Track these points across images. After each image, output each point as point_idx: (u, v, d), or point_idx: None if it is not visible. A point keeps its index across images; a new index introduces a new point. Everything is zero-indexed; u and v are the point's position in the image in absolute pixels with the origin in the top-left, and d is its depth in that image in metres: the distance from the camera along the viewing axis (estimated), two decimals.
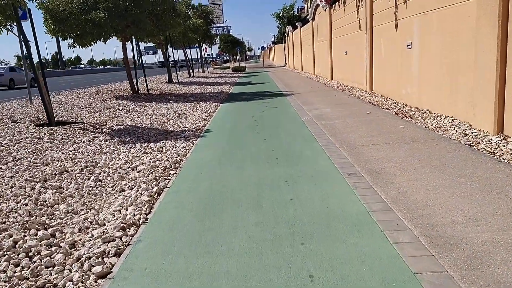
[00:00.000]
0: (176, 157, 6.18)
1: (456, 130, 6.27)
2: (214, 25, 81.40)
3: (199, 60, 42.93)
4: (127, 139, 7.65)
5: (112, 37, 14.42)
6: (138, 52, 16.18)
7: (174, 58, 30.61)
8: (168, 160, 5.91)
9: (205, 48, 52.36)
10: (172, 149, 6.83)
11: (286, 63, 42.67)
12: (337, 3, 15.81)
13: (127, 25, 13.96)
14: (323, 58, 19.71)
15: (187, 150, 6.66)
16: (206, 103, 12.43)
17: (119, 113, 10.51)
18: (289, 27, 36.26)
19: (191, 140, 7.41)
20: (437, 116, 7.38)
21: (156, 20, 15.14)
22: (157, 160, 5.99)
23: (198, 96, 14.73)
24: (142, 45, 30.02)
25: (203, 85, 20.31)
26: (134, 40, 15.75)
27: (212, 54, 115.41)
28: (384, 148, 5.68)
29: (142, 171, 5.44)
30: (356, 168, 4.87)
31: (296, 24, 30.39)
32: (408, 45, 8.88)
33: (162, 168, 5.50)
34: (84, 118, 9.65)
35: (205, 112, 10.56)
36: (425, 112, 7.99)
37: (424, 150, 5.41)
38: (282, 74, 27.48)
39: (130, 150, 6.78)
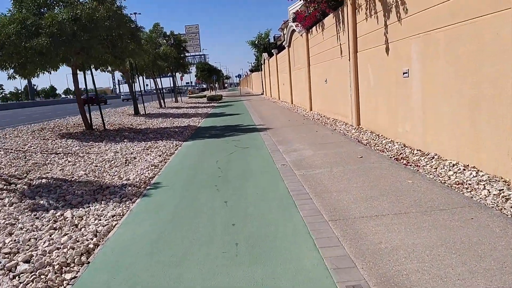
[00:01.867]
0: (91, 239, 4.22)
1: (489, 191, 4.52)
2: (188, 54, 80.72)
3: (173, 89, 41.23)
4: (41, 202, 5.64)
5: (60, 65, 12.49)
6: (92, 82, 14.23)
7: (142, 87, 28.84)
8: (73, 249, 3.93)
9: (181, 77, 50.84)
10: (95, 220, 4.86)
11: (263, 92, 41.35)
12: (314, 27, 14.36)
13: (76, 52, 12.08)
14: (301, 87, 18.19)
15: (114, 223, 4.70)
16: (166, 142, 10.52)
17: (52, 160, 8.47)
18: (265, 55, 35.06)
19: (126, 203, 5.45)
20: (453, 165, 5.65)
21: (112, 47, 13.31)
22: (58, 248, 4.00)
23: (160, 132, 12.81)
24: (117, 75, 28.06)
25: (171, 118, 18.42)
26: (89, 69, 13.82)
27: (191, 82, 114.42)
28: (396, 225, 3.85)
29: (19, 277, 3.46)
30: (361, 273, 3.01)
31: (272, 51, 29.12)
32: (404, 73, 7.25)
33: (54, 270, 3.52)
34: (2, 168, 7.58)
35: (161, 156, 8.63)
36: (433, 158, 6.27)
37: (457, 230, 3.61)
38: (259, 104, 25.90)
39: (34, 224, 4.78)
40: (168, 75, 36.29)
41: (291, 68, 21.39)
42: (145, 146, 9.82)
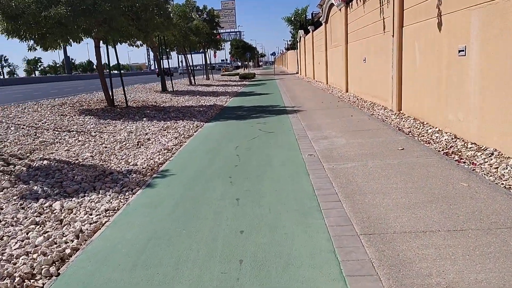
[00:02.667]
0: (71, 241, 3.53)
1: None
2: (223, 30, 79.62)
3: (209, 66, 40.54)
4: (35, 188, 5.03)
5: (83, 37, 11.92)
6: (115, 56, 13.64)
7: (188, 62, 27.97)
8: (45, 254, 3.24)
9: (214, 53, 50.04)
10: (84, 215, 4.18)
11: (298, 71, 39.99)
12: (354, 0, 13.07)
13: (98, 23, 11.44)
14: (337, 66, 16.96)
15: (104, 221, 3.99)
16: (186, 122, 9.78)
17: (61, 138, 7.91)
18: (301, 32, 33.58)
19: (126, 195, 4.74)
20: None
21: (136, 19, 12.60)
22: (28, 252, 3.32)
23: (183, 111, 12.10)
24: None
25: (198, 96, 17.71)
26: (112, 42, 13.19)
27: (226, 60, 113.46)
28: (450, 247, 2.91)
29: None
30: None
31: (308, 28, 27.70)
32: (460, 51, 6.09)
33: (12, 285, 2.83)
34: (7, 146, 7.07)
35: (177, 138, 7.90)
36: (492, 154, 5.18)
37: None
38: (292, 83, 24.77)
39: (16, 216, 4.15)
40: (200, 51, 35.53)
41: (327, 46, 20.10)
42: (163, 126, 9.12)
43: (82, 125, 9.29)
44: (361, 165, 5.20)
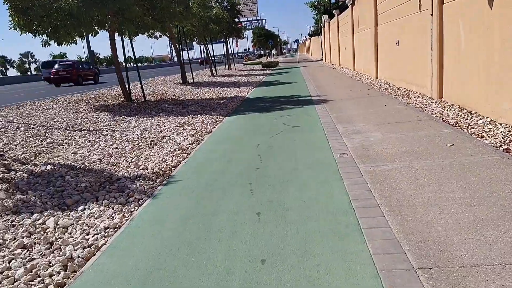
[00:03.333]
0: (57, 273, 2.92)
1: None
2: (244, 18, 78.56)
3: (231, 55, 39.84)
4: (32, 198, 4.47)
5: (97, 30, 11.38)
6: (131, 48, 13.05)
7: (209, 53, 27.13)
8: None
9: (236, 42, 49.24)
10: (80, 234, 3.59)
11: (322, 57, 38.75)
12: None
13: (112, 14, 10.87)
14: (366, 51, 15.90)
15: (101, 244, 3.37)
16: (205, 117, 9.12)
17: (71, 138, 7.38)
18: (325, 17, 32.33)
19: (131, 206, 4.13)
20: None
21: (152, 9, 11.97)
22: None
23: (202, 104, 11.45)
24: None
25: (219, 87, 17.03)
26: (128, 33, 12.63)
27: (249, 48, 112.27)
28: None
29: None
30: None
31: (333, 12, 26.49)
32: None
33: None
34: (12, 148, 6.59)
35: (194, 135, 7.24)
36: None
37: None
38: (317, 71, 23.77)
39: (4, 236, 3.59)
40: (222, 41, 34.79)
41: (354, 30, 18.99)
42: (179, 122, 8.48)
43: (95, 123, 8.76)
44: (405, 167, 4.39)
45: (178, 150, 6.22)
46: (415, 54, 9.55)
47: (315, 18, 54.08)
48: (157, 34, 19.73)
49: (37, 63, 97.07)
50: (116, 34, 12.51)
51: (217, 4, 28.81)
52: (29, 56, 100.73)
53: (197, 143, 6.73)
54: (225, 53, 35.61)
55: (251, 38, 71.52)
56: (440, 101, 7.97)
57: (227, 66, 34.44)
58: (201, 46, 19.42)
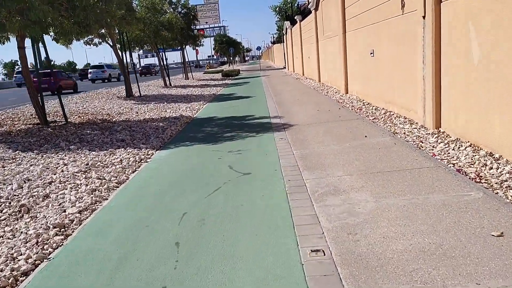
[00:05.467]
0: None
1: None
2: (205, 24, 76.26)
3: (189, 63, 37.39)
4: None
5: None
6: (46, 57, 10.42)
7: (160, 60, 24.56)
8: None
9: (196, 50, 46.81)
10: None
11: (285, 65, 37.01)
12: None
13: (13, 14, 8.33)
14: (333, 61, 14.03)
15: None
16: (129, 152, 6.79)
17: None
18: (287, 23, 30.58)
19: None
20: None
21: (71, 9, 9.48)
22: None
23: (135, 129, 9.07)
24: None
25: (167, 102, 14.64)
26: (40, 39, 10.01)
27: (213, 56, 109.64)
28: None
29: None
30: None
31: (295, 18, 24.71)
32: None
33: None
34: None
35: (95, 192, 4.90)
36: None
37: None
38: (279, 81, 21.79)
39: None
40: (178, 48, 32.32)
41: (318, 38, 17.15)
42: (87, 164, 6.08)
43: None
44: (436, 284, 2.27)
45: (54, 227, 3.88)
46: (398, 68, 7.63)
47: (278, 25, 52.60)
48: (96, 40, 17.14)
49: None
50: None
51: (171, 9, 26.39)
52: None
53: (94, 208, 4.41)
54: (182, 61, 33.08)
55: (213, 45, 69.22)
56: (438, 133, 6.00)
57: (184, 75, 31.94)
58: (121, 53, 16.76)
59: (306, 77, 21.92)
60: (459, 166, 4.59)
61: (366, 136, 6.41)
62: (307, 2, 27.69)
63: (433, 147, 5.43)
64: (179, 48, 32.06)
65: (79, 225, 4.02)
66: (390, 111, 8.24)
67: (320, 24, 16.54)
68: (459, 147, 5.18)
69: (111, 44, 16.57)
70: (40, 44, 10.23)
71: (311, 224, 3.49)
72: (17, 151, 7.06)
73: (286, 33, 33.06)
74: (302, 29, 22.83)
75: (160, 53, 26.48)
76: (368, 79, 9.89)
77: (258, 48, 49.55)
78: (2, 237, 3.79)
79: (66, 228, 3.93)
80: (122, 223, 3.96)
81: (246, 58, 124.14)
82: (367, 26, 9.51)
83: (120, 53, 17.10)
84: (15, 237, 3.77)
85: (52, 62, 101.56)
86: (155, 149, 7.07)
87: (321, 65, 17.30)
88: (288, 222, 3.58)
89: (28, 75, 9.77)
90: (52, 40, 10.47)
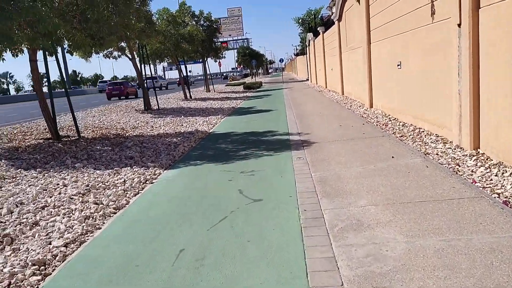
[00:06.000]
0: None
1: None
2: (228, 37, 76.70)
3: (213, 75, 37.31)
4: None
5: (5, 50, 8.54)
6: (60, 69, 10.14)
7: (186, 73, 25.26)
8: None
9: (219, 62, 46.83)
10: None
11: (308, 78, 36.44)
12: None
13: (24, 27, 8.10)
14: (357, 74, 13.38)
15: None
16: (136, 171, 6.34)
17: None
18: (309, 35, 30.09)
19: None
20: None
21: (84, 21, 9.22)
22: None
23: (146, 145, 8.65)
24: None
25: (184, 116, 14.27)
26: (53, 53, 9.77)
27: (236, 68, 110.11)
28: None
29: None
30: None
31: (318, 29, 24.18)
32: None
33: None
34: None
35: (88, 219, 4.43)
36: None
37: None
38: (301, 94, 21.22)
39: None
40: (200, 61, 32.26)
41: (341, 49, 16.54)
42: (88, 185, 5.63)
43: None
44: None
45: (33, 265, 3.40)
46: (428, 81, 6.95)
47: (301, 37, 52.18)
48: (116, 53, 17.05)
49: (15, 84, 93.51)
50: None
51: (193, 21, 26.31)
52: (7, 76, 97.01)
53: (83, 240, 3.92)
54: (204, 73, 32.96)
55: (236, 58, 69.33)
56: (477, 154, 5.29)
57: (205, 87, 31.77)
58: (140, 65, 16.57)
59: (329, 90, 21.27)
60: (506, 197, 3.90)
61: (393, 157, 5.75)
62: (330, 13, 27.24)
63: (472, 171, 4.74)
64: (200, 60, 31.98)
65: (62, 261, 3.54)
66: (419, 128, 7.53)
67: (343, 35, 15.94)
68: (502, 173, 4.47)
69: (130, 57, 16.39)
70: (57, 56, 9.97)
71: (328, 271, 2.89)
72: (20, 169, 6.71)
73: (309, 45, 32.57)
74: (325, 41, 22.27)
75: (182, 66, 26.38)
76: (394, 92, 9.21)
77: (281, 60, 49.18)
78: None
79: (46, 266, 3.44)
80: (110, 260, 3.45)
81: (269, 70, 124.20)
82: (393, 36, 8.87)
83: (139, 66, 16.89)
84: None
85: (80, 75, 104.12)
86: (163, 168, 6.59)
87: (344, 78, 16.65)
88: (300, 267, 2.99)
89: (40, 89, 9.55)
90: (66, 52, 10.22)
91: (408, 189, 4.37)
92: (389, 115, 9.66)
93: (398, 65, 8.70)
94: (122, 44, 15.87)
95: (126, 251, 3.59)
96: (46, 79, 10.53)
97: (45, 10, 8.10)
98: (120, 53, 16.76)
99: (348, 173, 5.24)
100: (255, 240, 3.55)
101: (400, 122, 8.58)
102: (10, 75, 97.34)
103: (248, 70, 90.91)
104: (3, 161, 7.28)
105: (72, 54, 10.86)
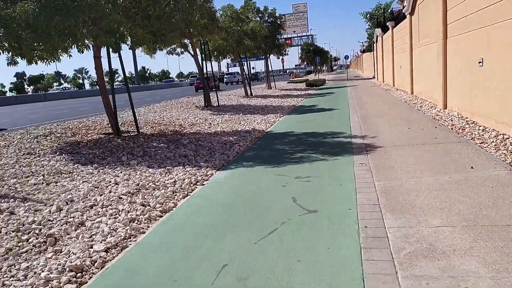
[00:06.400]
0: None
1: None
2: (292, 33, 75.92)
3: (278, 72, 37.09)
4: None
5: (66, 46, 8.80)
6: (122, 66, 10.31)
7: (249, 70, 25.51)
8: None
9: (282, 59, 46.40)
10: None
11: (374, 75, 34.91)
12: None
13: (84, 24, 8.27)
14: (429, 72, 12.33)
15: None
16: (187, 171, 6.15)
17: None
18: (378, 31, 28.68)
19: None
20: None
21: (146, 18, 9.25)
22: None
23: (202, 144, 8.48)
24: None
25: (242, 113, 14.06)
26: (117, 49, 9.92)
27: (299, 65, 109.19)
28: None
29: None
30: None
31: (387, 24, 22.91)
32: None
33: None
34: None
35: (133, 222, 4.25)
36: None
37: None
38: (366, 93, 20.22)
39: None
40: (262, 57, 32.07)
41: (412, 45, 15.41)
42: (138, 184, 5.50)
43: (27, 177, 6.02)
44: None
45: (70, 271, 3.24)
46: None
47: (369, 33, 50.19)
48: (179, 50, 17.27)
49: (90, 79, 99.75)
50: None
51: (257, 17, 26.12)
52: (83, 72, 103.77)
53: (125, 245, 3.72)
54: (266, 70, 32.71)
55: (299, 54, 68.50)
56: None
57: (267, 84, 31.54)
58: (202, 62, 16.51)
59: (396, 89, 20.06)
60: None
61: (472, 168, 5.00)
62: (401, 7, 25.71)
63: None
64: (263, 57, 31.79)
65: (101, 268, 3.34)
66: (503, 134, 6.61)
67: (415, 30, 14.82)
68: None
69: (192, 54, 16.50)
70: (120, 53, 10.13)
71: None
72: (77, 164, 6.79)
73: (376, 41, 31.10)
74: (394, 36, 21.01)
75: (244, 62, 26.34)
76: (473, 92, 8.24)
77: (346, 57, 47.66)
78: (14, 276, 3.22)
79: (84, 273, 3.27)
80: (148, 272, 3.19)
81: (334, 67, 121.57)
82: (474, 30, 7.91)
83: (201, 62, 16.97)
84: (26, 279, 3.18)
85: (148, 71, 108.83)
86: (216, 168, 6.33)
87: (414, 75, 15.51)
88: None
89: (103, 85, 9.73)
90: (129, 49, 10.36)
91: (492, 208, 3.69)
92: (466, 117, 8.68)
93: (479, 62, 7.74)
94: (185, 41, 16.01)
95: (165, 263, 3.32)
96: (120, 75, 10.78)
97: (108, 7, 8.18)
98: (183, 50, 16.93)
99: (418, 184, 4.61)
100: (306, 260, 3.11)
101: (480, 126, 7.64)
102: (86, 70, 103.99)
103: (312, 67, 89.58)
104: (64, 155, 7.45)
105: (134, 51, 11.07)
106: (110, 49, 9.41)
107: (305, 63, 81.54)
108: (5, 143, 8.49)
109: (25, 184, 5.68)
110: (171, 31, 9.82)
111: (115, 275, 3.21)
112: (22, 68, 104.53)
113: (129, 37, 9.96)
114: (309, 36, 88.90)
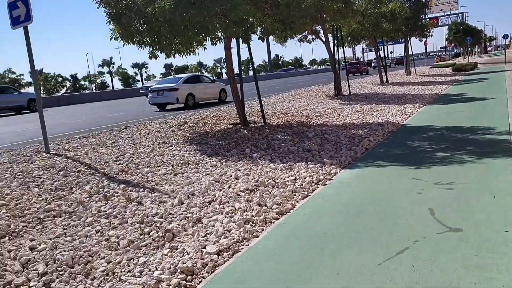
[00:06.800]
0: None
1: None
2: (440, 12, 69.18)
3: (418, 55, 34.24)
4: None
5: (201, 39, 9.12)
6: (250, 56, 10.27)
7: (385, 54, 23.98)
8: None
9: (424, 42, 42.48)
10: None
11: None
12: None
13: (215, 17, 8.43)
14: None
15: None
16: (309, 168, 5.78)
17: (43, 220, 5.07)
18: None
19: None
20: None
21: (274, 6, 9.05)
22: None
23: (327, 136, 7.98)
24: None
25: (376, 103, 13.04)
26: (247, 39, 9.94)
27: (446, 47, 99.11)
28: None
29: None
30: None
31: None
32: None
33: None
34: None
35: (247, 224, 4.06)
36: None
37: None
38: None
39: None
40: (401, 40, 29.66)
41: None
42: (257, 180, 5.32)
43: (158, 166, 6.38)
44: None
45: (181, 272, 3.17)
46: None
47: None
48: (310, 37, 16.87)
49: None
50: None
51: None
52: (222, 61, 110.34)
53: (237, 249, 3.54)
54: (405, 55, 30.22)
55: (446, 35, 61.94)
56: None
57: (405, 70, 29.13)
58: (336, 47, 15.55)
59: None
60: None
61: None
62: None
63: None
64: (402, 40, 29.42)
65: (211, 272, 3.20)
66: None
67: None
68: None
69: (323, 41, 15.91)
70: (249, 44, 10.16)
71: None
72: (204, 155, 6.96)
73: None
74: None
75: (380, 47, 24.68)
76: None
77: (505, 37, 41.07)
78: (131, 272, 3.28)
79: (194, 276, 3.16)
80: (257, 283, 2.93)
81: (488, 49, 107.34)
82: None
83: (333, 49, 16.31)
84: (140, 276, 3.20)
85: (281, 59, 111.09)
86: (341, 166, 5.82)
87: None
88: None
89: (233, 76, 9.89)
90: (258, 39, 10.32)
91: None
92: None
93: None
94: (317, 27, 15.51)
95: (275, 275, 3.02)
96: (250, 65, 10.90)
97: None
98: (314, 37, 16.47)
99: None
100: None
101: None
102: (223, 60, 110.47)
103: (461, 49, 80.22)
104: (193, 145, 7.75)
105: (263, 41, 10.98)
106: (240, 40, 9.47)
107: (453, 44, 73.47)
108: (145, 132, 9.23)
109: (155, 173, 5.99)
110: (300, 18, 9.45)
111: (224, 282, 3.03)
112: (170, 60, 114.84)
113: (258, 27, 9.92)
114: (459, 14, 79.75)
